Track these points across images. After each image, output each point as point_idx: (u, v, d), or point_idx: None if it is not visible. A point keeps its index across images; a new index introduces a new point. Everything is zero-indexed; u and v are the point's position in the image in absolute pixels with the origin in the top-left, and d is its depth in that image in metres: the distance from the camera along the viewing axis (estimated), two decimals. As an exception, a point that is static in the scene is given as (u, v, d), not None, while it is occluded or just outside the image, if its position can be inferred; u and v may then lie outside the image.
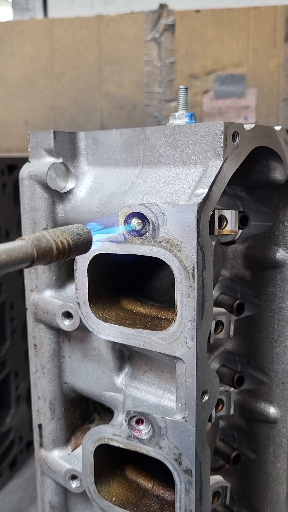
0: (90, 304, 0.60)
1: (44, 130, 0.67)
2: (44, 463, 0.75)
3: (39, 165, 0.67)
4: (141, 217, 0.54)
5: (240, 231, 0.73)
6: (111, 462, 0.68)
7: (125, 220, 0.55)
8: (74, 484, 0.71)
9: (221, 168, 0.54)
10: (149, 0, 1.79)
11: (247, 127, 0.57)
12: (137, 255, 0.55)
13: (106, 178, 0.66)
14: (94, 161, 0.68)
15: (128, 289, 0.66)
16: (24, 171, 0.68)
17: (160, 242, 0.53)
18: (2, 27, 1.68)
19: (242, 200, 0.74)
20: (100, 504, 0.65)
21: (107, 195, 0.64)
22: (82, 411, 0.77)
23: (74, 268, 0.60)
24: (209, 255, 0.53)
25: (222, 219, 0.56)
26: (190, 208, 0.51)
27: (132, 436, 0.60)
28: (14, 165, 1.17)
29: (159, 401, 0.62)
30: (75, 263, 0.60)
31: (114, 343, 0.66)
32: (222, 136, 0.54)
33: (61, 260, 0.47)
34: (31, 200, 0.68)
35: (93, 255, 0.58)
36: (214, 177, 0.53)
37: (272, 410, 0.76)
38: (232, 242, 0.73)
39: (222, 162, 0.54)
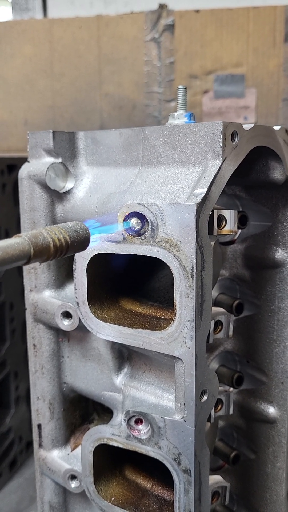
0: (89, 304, 0.60)
1: (44, 130, 0.67)
2: (43, 463, 0.75)
3: (38, 165, 0.67)
4: (140, 217, 0.54)
5: (239, 231, 0.73)
6: (110, 462, 0.68)
7: (124, 220, 0.55)
8: (73, 484, 0.71)
9: (220, 168, 0.54)
10: (148, 0, 1.79)
11: (246, 127, 0.57)
12: (136, 255, 0.55)
13: (105, 178, 0.66)
14: (93, 161, 0.68)
15: (127, 289, 0.66)
16: (23, 171, 0.68)
17: (159, 242, 0.53)
18: (2, 27, 1.68)
19: (241, 200, 0.74)
20: (99, 504, 0.65)
21: (106, 195, 0.64)
22: (82, 411, 0.77)
23: (73, 268, 0.60)
24: (208, 255, 0.53)
25: (221, 219, 0.56)
26: (189, 208, 0.51)
27: (131, 436, 0.60)
28: (13, 165, 1.17)
29: (158, 401, 0.62)
30: (74, 262, 0.60)
31: (113, 343, 0.66)
32: (221, 136, 0.54)
33: (58, 258, 0.47)
34: (30, 200, 0.68)
35: (92, 255, 0.58)
36: (213, 177, 0.53)
37: (271, 410, 0.76)
38: (231, 242, 0.73)
39: (221, 162, 0.54)
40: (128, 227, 0.55)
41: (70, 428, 0.75)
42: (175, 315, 0.53)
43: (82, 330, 0.66)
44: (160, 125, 1.61)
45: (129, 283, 0.66)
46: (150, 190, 0.59)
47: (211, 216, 0.54)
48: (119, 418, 0.66)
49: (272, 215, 0.73)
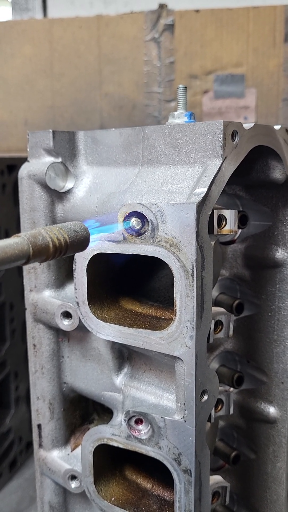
0: (89, 304, 0.60)
1: (44, 130, 0.67)
2: (43, 463, 0.75)
3: (38, 164, 0.67)
4: (140, 216, 0.53)
5: (240, 230, 0.72)
6: (110, 462, 0.68)
7: (124, 220, 0.55)
8: (73, 484, 0.71)
9: (220, 167, 0.54)
10: (148, 0, 1.79)
11: (246, 126, 0.57)
12: (136, 254, 0.55)
13: (105, 177, 0.66)
14: (93, 161, 0.67)
15: (128, 288, 0.66)
16: (23, 171, 0.68)
17: (159, 241, 0.53)
18: (2, 27, 1.68)
19: (241, 200, 0.74)
20: (99, 504, 0.65)
21: (106, 194, 0.64)
22: (82, 411, 0.77)
23: (73, 268, 0.60)
24: (208, 254, 0.53)
25: (221, 218, 0.56)
26: (189, 208, 0.51)
27: (132, 436, 0.59)
28: (13, 165, 1.17)
29: (158, 401, 0.62)
30: (74, 262, 0.60)
31: (114, 343, 0.66)
32: (221, 135, 0.54)
33: (57, 258, 0.47)
34: (30, 200, 0.68)
35: (92, 255, 0.58)
36: (213, 176, 0.53)
37: (271, 410, 0.76)
38: (232, 241, 0.73)
39: (221, 161, 0.54)
40: (128, 226, 0.54)
41: (70, 428, 0.75)
42: (175, 315, 0.53)
43: (82, 330, 0.66)
44: (160, 125, 1.61)
45: (129, 283, 0.66)
46: (150, 190, 0.59)
47: (211, 215, 0.54)
48: (119, 418, 0.66)
49: (272, 214, 0.73)
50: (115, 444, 0.62)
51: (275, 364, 0.75)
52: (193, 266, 0.51)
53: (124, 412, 0.60)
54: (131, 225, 0.54)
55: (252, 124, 0.58)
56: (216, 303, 0.73)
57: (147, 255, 0.54)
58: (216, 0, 1.93)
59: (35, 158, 0.68)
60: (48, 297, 0.70)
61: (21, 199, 0.69)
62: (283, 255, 0.72)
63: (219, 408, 0.71)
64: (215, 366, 0.76)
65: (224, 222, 0.57)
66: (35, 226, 0.69)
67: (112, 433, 0.62)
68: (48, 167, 0.65)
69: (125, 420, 0.59)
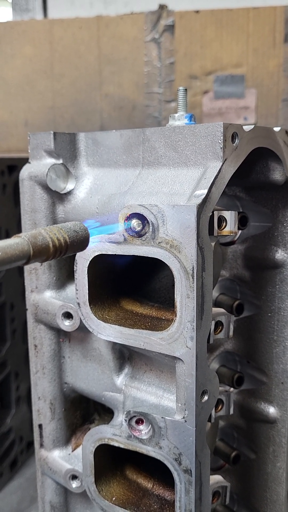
0: (90, 305, 0.60)
1: (44, 131, 0.67)
2: (44, 463, 0.75)
3: (39, 166, 0.67)
4: (141, 218, 0.54)
5: (240, 231, 0.73)
6: (111, 462, 0.68)
7: (124, 221, 0.55)
8: (74, 484, 0.72)
9: (220, 169, 0.54)
10: (148, 0, 1.80)
11: (246, 128, 0.58)
12: (137, 256, 0.56)
13: (106, 179, 0.66)
14: (94, 162, 0.68)
15: (128, 289, 0.66)
16: (24, 172, 0.68)
17: (159, 242, 0.53)
18: (2, 28, 1.68)
19: (241, 201, 0.74)
20: (100, 504, 0.66)
21: (107, 196, 0.64)
22: (82, 411, 0.77)
23: (74, 269, 0.60)
24: (208, 255, 0.53)
25: (221, 219, 0.57)
26: (189, 209, 0.51)
27: (132, 436, 0.60)
28: (14, 166, 1.17)
29: (159, 401, 0.63)
30: (75, 263, 0.60)
31: (114, 344, 0.66)
32: (222, 137, 0.54)
33: (58, 258, 0.47)
34: (31, 201, 0.69)
35: (93, 256, 0.58)
36: (213, 178, 0.53)
37: (271, 410, 0.76)
38: (232, 242, 0.73)
39: (221, 163, 0.54)
40: (129, 228, 0.55)
41: (71, 428, 0.75)
42: (175, 316, 0.53)
43: (83, 331, 0.66)
44: (160, 125, 1.62)
45: (129, 284, 0.67)
46: (150, 191, 0.59)
47: (212, 217, 0.54)
48: (120, 418, 0.66)
49: (272, 216, 0.73)
50: (116, 444, 0.62)
51: (275, 365, 0.75)
52: (193, 267, 0.51)
53: (125, 412, 0.60)
54: (131, 227, 0.55)
55: (252, 126, 0.58)
56: (216, 304, 0.73)
57: (147, 256, 0.55)
58: (216, 0, 1.93)
59: (36, 159, 0.68)
60: (49, 298, 0.70)
61: (22, 200, 0.70)
62: (283, 256, 0.72)
63: (219, 408, 0.71)
64: (215, 366, 0.77)
65: (224, 223, 0.57)
66: (36, 227, 0.69)
67: (113, 433, 0.62)
68: (49, 169, 0.66)
69: (125, 420, 0.60)
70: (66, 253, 0.48)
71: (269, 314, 0.75)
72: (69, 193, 0.68)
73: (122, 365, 0.68)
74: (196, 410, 0.54)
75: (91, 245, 0.57)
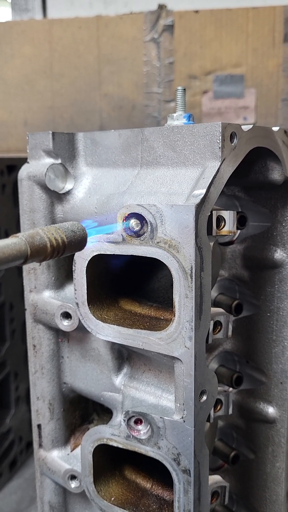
0: (88, 305, 0.60)
1: (43, 130, 0.67)
2: (43, 463, 0.75)
3: (38, 166, 0.67)
4: (139, 217, 0.54)
5: (239, 231, 0.73)
6: (110, 462, 0.68)
7: (123, 221, 0.55)
8: (73, 484, 0.72)
9: (219, 169, 0.54)
10: (148, 0, 1.79)
11: (245, 128, 0.58)
12: (136, 255, 0.55)
13: (104, 179, 0.66)
14: (92, 162, 0.68)
15: (127, 289, 0.66)
16: (23, 172, 0.68)
17: (158, 242, 0.53)
18: (2, 28, 1.68)
19: (240, 201, 0.74)
20: (99, 504, 0.66)
21: (106, 195, 0.64)
22: (81, 411, 0.77)
23: (73, 269, 0.60)
24: (207, 255, 0.53)
25: (220, 219, 0.56)
26: (188, 209, 0.51)
27: (131, 436, 0.60)
28: (13, 166, 1.17)
29: (157, 401, 0.63)
30: (73, 263, 0.60)
31: (113, 344, 0.66)
32: (220, 137, 0.54)
33: (55, 258, 0.47)
34: (30, 201, 0.69)
35: (91, 256, 0.58)
36: (212, 177, 0.53)
37: (270, 410, 0.76)
38: (231, 242, 0.73)
39: (220, 163, 0.54)
40: (127, 228, 0.55)
41: (70, 428, 0.75)
42: (174, 316, 0.53)
43: (81, 331, 0.66)
44: (160, 125, 1.62)
45: (128, 284, 0.67)
46: (149, 191, 0.59)
47: (210, 216, 0.54)
48: (118, 418, 0.66)
49: (271, 215, 0.73)
50: (115, 444, 0.62)
51: (274, 364, 0.75)
52: (192, 267, 0.51)
53: (124, 412, 0.60)
54: (130, 226, 0.55)
55: (251, 126, 0.58)
56: (215, 304, 0.73)
57: (146, 256, 0.55)
58: (215, 0, 1.93)
59: (34, 159, 0.68)
60: (47, 298, 0.70)
61: (21, 200, 0.70)
62: (281, 255, 0.72)
63: (218, 408, 0.71)
64: (214, 366, 0.77)
65: (223, 223, 0.57)
66: (35, 227, 0.69)
67: (112, 433, 0.62)
68: (47, 169, 0.66)
69: (124, 420, 0.60)
70: (63, 253, 0.48)
71: (268, 314, 0.75)
72: (68, 193, 0.68)
73: (121, 365, 0.67)
74: (194, 410, 0.54)
75: (89, 245, 0.57)
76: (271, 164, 0.67)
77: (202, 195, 0.52)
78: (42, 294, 0.70)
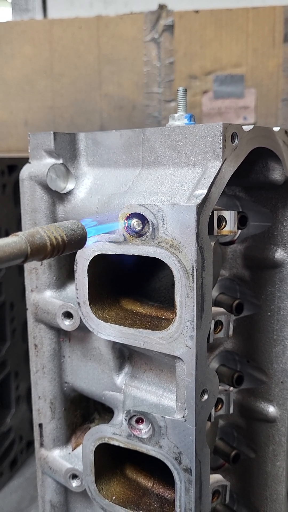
0: (90, 304, 0.61)
1: (44, 130, 0.67)
2: (44, 463, 0.75)
3: (39, 166, 0.67)
4: (141, 217, 0.54)
5: (239, 231, 0.73)
6: (111, 461, 0.68)
7: (124, 221, 0.55)
8: (74, 483, 0.72)
9: (220, 169, 0.54)
10: (148, 0, 1.80)
11: (246, 128, 0.58)
12: (137, 255, 0.56)
13: (106, 179, 0.66)
14: (94, 162, 0.68)
15: (128, 289, 0.66)
16: (25, 172, 0.69)
17: (159, 242, 0.53)
18: (2, 28, 1.68)
19: (241, 201, 0.74)
20: (100, 503, 0.66)
21: (107, 195, 0.64)
22: (82, 410, 0.78)
23: (75, 269, 0.60)
24: (208, 255, 0.53)
25: (221, 219, 0.57)
26: (189, 209, 0.51)
27: (132, 435, 0.60)
28: (14, 166, 1.17)
29: (159, 400, 0.63)
30: (75, 263, 0.60)
31: (114, 343, 0.66)
32: (221, 137, 0.55)
33: (55, 256, 0.47)
34: (32, 201, 0.69)
35: (93, 256, 0.59)
36: (213, 178, 0.54)
37: (271, 409, 0.76)
38: (231, 242, 0.74)
39: (221, 163, 0.55)
40: (128, 227, 0.55)
41: (71, 427, 0.76)
42: (175, 315, 0.53)
43: (83, 330, 0.67)
44: (160, 125, 1.62)
45: (129, 283, 0.67)
46: (150, 191, 0.59)
47: (211, 216, 0.54)
48: (120, 417, 0.66)
49: (272, 215, 0.73)
50: (116, 443, 0.62)
51: (274, 364, 0.75)
52: (193, 267, 0.52)
53: (125, 412, 0.60)
54: (131, 226, 0.55)
55: (252, 126, 0.58)
56: (216, 303, 0.73)
57: (147, 256, 0.55)
58: (215, 0, 1.93)
59: (36, 159, 0.69)
60: (49, 298, 0.70)
61: (22, 200, 0.70)
62: (282, 255, 0.73)
63: (219, 407, 0.71)
64: (215, 365, 0.77)
65: (224, 223, 0.57)
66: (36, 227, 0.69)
67: (113, 432, 0.62)
68: (49, 169, 0.66)
69: (126, 419, 0.60)
70: (63, 251, 0.48)
71: (269, 314, 0.75)
72: (69, 193, 0.68)
73: (122, 364, 0.68)
74: (196, 409, 0.54)
75: (91, 244, 0.57)
76: (272, 164, 0.67)
77: (204, 195, 0.52)
78: (43, 294, 0.71)
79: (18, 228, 1.19)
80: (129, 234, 0.55)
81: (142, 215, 0.54)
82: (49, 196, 0.68)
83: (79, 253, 0.59)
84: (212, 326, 0.63)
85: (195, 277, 0.52)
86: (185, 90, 0.67)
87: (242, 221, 0.72)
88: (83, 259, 0.59)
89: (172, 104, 1.62)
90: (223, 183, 0.55)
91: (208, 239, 0.53)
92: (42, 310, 0.71)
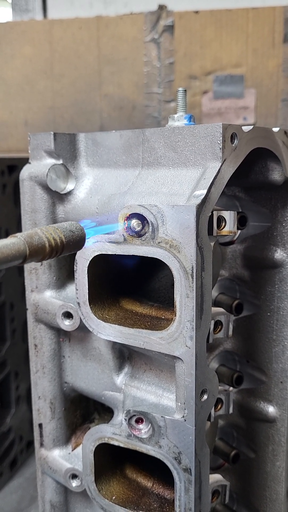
0: (90, 304, 0.61)
1: (44, 131, 0.67)
2: (44, 462, 0.75)
3: (39, 166, 0.67)
4: (141, 218, 0.54)
5: (239, 231, 0.73)
6: (111, 461, 0.68)
7: (124, 221, 0.55)
8: (74, 483, 0.72)
9: (219, 169, 0.54)
10: (148, 1, 1.80)
11: (245, 128, 0.58)
12: (137, 255, 0.56)
13: (105, 179, 0.66)
14: (94, 163, 0.68)
15: (128, 289, 0.66)
16: (25, 173, 0.69)
17: (159, 242, 0.53)
18: (2, 28, 1.68)
19: (240, 201, 0.74)
20: (100, 503, 0.66)
21: (107, 196, 0.64)
22: (82, 410, 0.78)
23: (74, 269, 0.61)
24: (208, 255, 0.53)
25: (220, 219, 0.57)
26: (189, 209, 0.51)
27: (132, 435, 0.60)
28: (14, 166, 1.17)
29: (158, 400, 0.63)
30: (75, 263, 0.60)
31: (114, 343, 0.66)
32: (221, 138, 0.55)
33: (54, 257, 0.47)
34: (32, 201, 0.69)
35: (93, 256, 0.59)
36: (212, 178, 0.54)
37: (271, 409, 0.76)
38: (231, 242, 0.74)
39: (220, 164, 0.55)
40: (128, 228, 0.55)
41: (71, 427, 0.76)
42: (175, 315, 0.53)
43: (83, 330, 0.67)
44: (160, 125, 1.62)
45: (129, 284, 0.67)
46: (150, 192, 0.59)
47: (211, 217, 0.54)
48: (119, 417, 0.66)
49: (271, 216, 0.73)
50: (116, 443, 0.63)
51: (274, 364, 0.76)
52: (193, 267, 0.52)
53: (125, 412, 0.60)
54: (131, 227, 0.55)
55: (251, 127, 0.58)
56: (216, 303, 0.74)
57: (147, 256, 0.55)
58: (215, 1, 1.93)
59: (36, 160, 0.69)
60: (49, 298, 0.70)
61: (23, 201, 0.70)
62: (282, 255, 0.73)
63: (219, 407, 0.71)
64: (215, 365, 0.77)
65: (223, 223, 0.57)
66: (36, 228, 0.69)
67: (113, 432, 0.62)
68: (49, 169, 0.66)
69: (125, 419, 0.60)
70: (62, 252, 0.48)
71: (268, 314, 0.75)
72: (69, 193, 0.68)
73: (122, 364, 0.68)
74: (195, 409, 0.55)
75: (91, 244, 0.57)
76: (271, 165, 0.67)
77: (203, 196, 0.52)
78: (43, 294, 0.71)
79: (18, 228, 1.19)
80: (129, 234, 0.55)
81: (142, 215, 0.54)
82: (49, 197, 0.68)
83: (79, 253, 0.59)
84: (212, 326, 0.64)
85: (194, 277, 0.52)
86: (185, 90, 0.67)
87: (241, 222, 0.73)
88: (83, 259, 0.59)
89: (172, 105, 1.62)
90: (222, 184, 0.55)
91: (207, 239, 0.53)
92: (42, 310, 0.71)
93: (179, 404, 0.55)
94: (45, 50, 1.67)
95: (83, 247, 0.52)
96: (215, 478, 0.68)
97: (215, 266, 0.59)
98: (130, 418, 0.60)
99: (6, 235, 1.16)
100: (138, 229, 0.54)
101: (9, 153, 1.71)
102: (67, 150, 0.68)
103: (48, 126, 1.68)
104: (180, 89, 0.67)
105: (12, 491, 1.18)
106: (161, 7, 1.60)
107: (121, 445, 0.62)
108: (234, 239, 0.73)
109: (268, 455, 0.78)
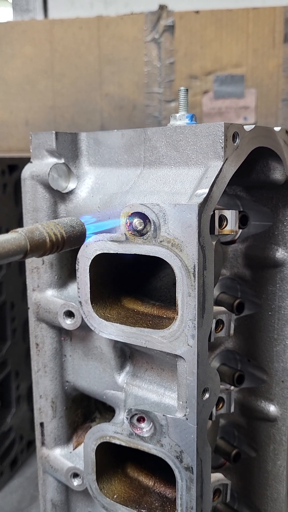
0: (92, 303, 0.61)
1: (45, 130, 0.67)
2: (46, 461, 0.75)
3: (41, 165, 0.68)
4: (143, 217, 0.54)
5: (240, 230, 0.73)
6: (112, 460, 0.68)
7: (126, 220, 0.55)
8: (75, 482, 0.72)
9: (221, 168, 0.55)
10: (148, 1, 1.80)
11: (247, 128, 0.58)
12: (139, 254, 0.56)
13: (107, 178, 0.66)
14: (95, 162, 0.68)
15: (130, 288, 0.67)
16: (26, 172, 0.69)
17: (161, 241, 0.53)
18: (3, 28, 1.68)
19: (242, 200, 0.74)
20: (101, 501, 0.66)
21: (109, 195, 0.64)
22: (84, 409, 0.78)
23: (76, 268, 0.61)
24: (209, 254, 0.53)
25: (222, 219, 0.57)
26: (191, 208, 0.51)
27: (134, 434, 0.60)
28: (14, 165, 1.17)
29: (160, 399, 0.63)
30: (77, 262, 0.60)
31: (116, 342, 0.66)
32: (223, 137, 0.55)
33: (54, 252, 0.47)
34: (33, 200, 0.69)
35: (95, 255, 0.59)
36: (214, 177, 0.54)
37: (272, 408, 0.76)
38: (232, 241, 0.74)
39: (222, 163, 0.55)
40: (130, 227, 0.55)
41: (72, 426, 0.76)
42: (177, 314, 0.53)
43: (84, 329, 0.67)
44: (161, 125, 1.62)
45: (131, 283, 0.67)
46: (152, 191, 0.59)
47: (213, 216, 0.54)
48: (121, 416, 0.66)
49: (273, 215, 0.73)
50: (117, 442, 0.63)
51: (275, 363, 0.76)
52: (194, 266, 0.52)
53: (126, 410, 0.60)
54: (133, 225, 0.55)
55: (253, 126, 0.58)
56: (217, 303, 0.74)
57: (149, 255, 0.55)
58: (216, 1, 1.94)
59: (38, 159, 0.69)
60: (50, 297, 0.70)
61: (24, 200, 0.70)
62: (283, 255, 0.73)
63: (220, 406, 0.71)
64: (216, 364, 0.77)
65: (225, 223, 0.57)
66: (37, 226, 0.69)
67: (114, 431, 0.62)
68: (51, 168, 0.66)
69: (127, 418, 0.60)
70: (63, 248, 0.48)
71: (270, 313, 0.75)
72: (71, 192, 0.68)
73: (124, 363, 0.68)
74: (197, 408, 0.55)
75: (93, 243, 0.58)
76: (273, 164, 0.67)
77: (205, 195, 0.52)
78: (45, 293, 0.71)
79: (19, 227, 1.18)
80: (130, 233, 0.55)
81: (144, 214, 0.54)
82: (50, 196, 0.68)
83: (81, 252, 0.59)
84: (214, 325, 0.64)
85: (196, 276, 0.52)
86: (187, 90, 0.67)
87: (243, 221, 0.73)
88: (85, 258, 0.60)
89: (173, 104, 1.62)
90: (224, 183, 0.55)
91: (209, 238, 0.53)
92: (43, 309, 0.71)
93: (181, 402, 0.56)
94: (46, 50, 1.67)
95: (84, 242, 0.52)
96: (217, 477, 0.68)
97: (216, 265, 0.59)
98: (132, 417, 0.60)
99: (7, 234, 1.16)
100: (140, 228, 0.55)
101: (9, 153, 1.71)
102: (68, 149, 0.68)
103: (48, 126, 1.68)
104: (182, 88, 0.67)
105: (13, 491, 1.18)
106: (162, 7, 1.60)
107: (123, 444, 0.62)
108: (235, 238, 0.73)
109: (269, 454, 0.78)
